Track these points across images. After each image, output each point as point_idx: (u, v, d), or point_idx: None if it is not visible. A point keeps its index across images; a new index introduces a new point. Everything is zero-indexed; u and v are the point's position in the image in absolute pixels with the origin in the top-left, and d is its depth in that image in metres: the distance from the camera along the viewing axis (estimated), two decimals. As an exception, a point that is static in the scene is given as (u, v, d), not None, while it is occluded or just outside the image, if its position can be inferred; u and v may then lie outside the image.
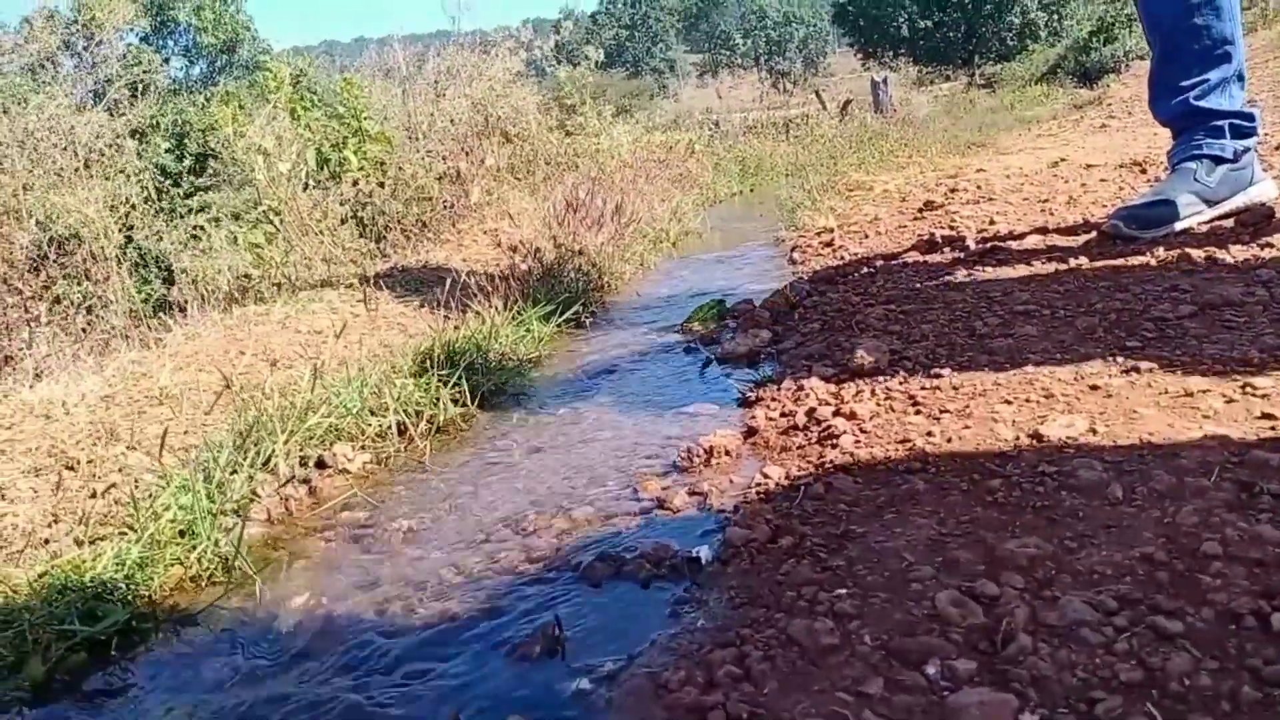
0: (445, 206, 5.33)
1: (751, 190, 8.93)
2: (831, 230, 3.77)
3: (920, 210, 3.66)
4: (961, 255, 2.58)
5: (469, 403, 2.03)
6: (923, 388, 1.50)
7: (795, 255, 3.57)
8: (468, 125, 6.26)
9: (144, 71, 27.36)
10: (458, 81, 7.30)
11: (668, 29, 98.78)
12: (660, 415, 1.82)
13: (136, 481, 1.56)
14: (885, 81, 17.36)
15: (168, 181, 28.68)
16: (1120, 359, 1.48)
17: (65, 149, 5.15)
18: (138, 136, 27.49)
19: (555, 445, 1.74)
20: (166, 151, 28.45)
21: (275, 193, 5.59)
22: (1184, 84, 2.36)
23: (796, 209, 4.71)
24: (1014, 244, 2.57)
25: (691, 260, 4.36)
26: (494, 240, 4.15)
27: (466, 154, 5.92)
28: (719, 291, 3.29)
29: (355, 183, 5.99)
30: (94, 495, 1.60)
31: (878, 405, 1.47)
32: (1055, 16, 54.80)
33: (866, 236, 3.42)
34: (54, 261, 4.27)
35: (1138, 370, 1.41)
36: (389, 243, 5.59)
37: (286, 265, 4.92)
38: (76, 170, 4.99)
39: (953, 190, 4.15)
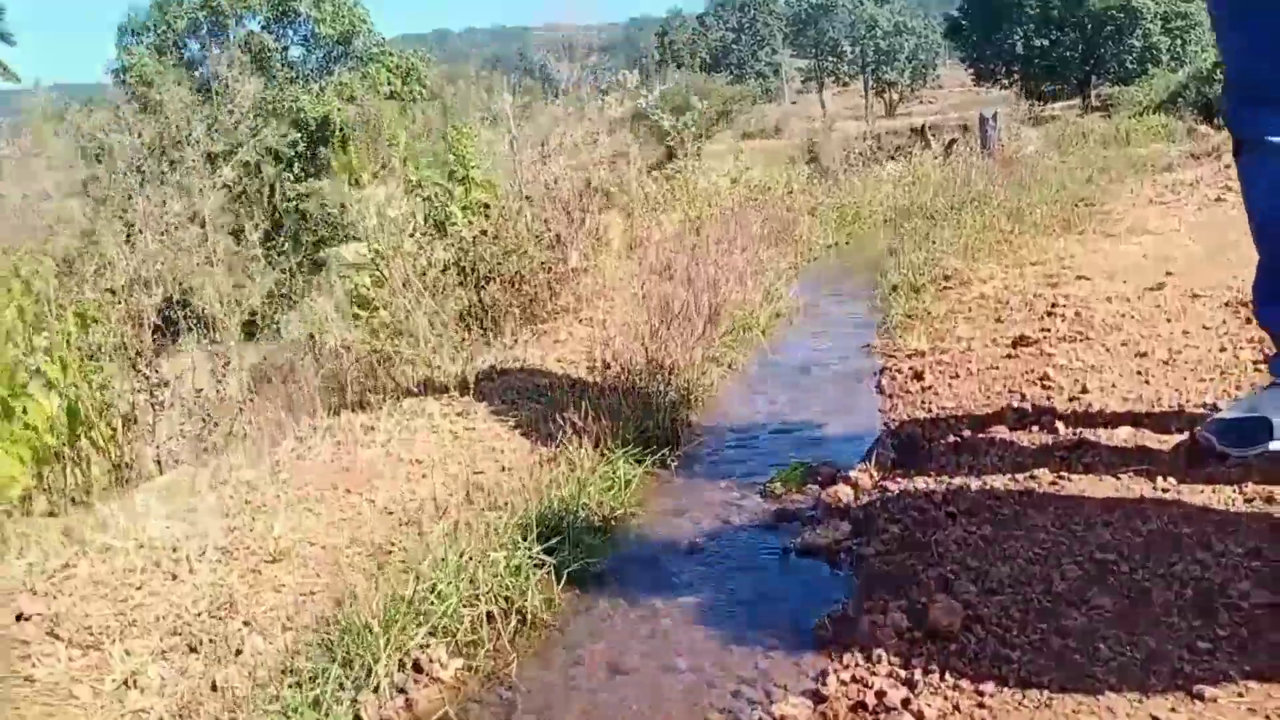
0: (545, 269, 5.49)
1: (848, 242, 8.91)
2: (923, 355, 3.80)
3: (1014, 346, 3.65)
4: (1050, 441, 2.60)
5: (556, 587, 2.14)
6: (992, 685, 1.55)
7: (884, 383, 3.61)
8: (569, 188, 6.39)
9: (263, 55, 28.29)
10: (563, 141, 7.44)
11: (775, 33, 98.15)
12: (738, 639, 1.90)
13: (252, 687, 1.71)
14: (994, 118, 16.98)
15: (280, 166, 29.48)
16: (1188, 667, 1.51)
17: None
18: (259, 118, 28.12)
19: (635, 667, 1.84)
20: (281, 136, 29.41)
21: (383, 239, 5.83)
22: None
23: (888, 313, 4.72)
24: (1104, 435, 2.57)
25: (779, 362, 4.41)
26: (589, 335, 4.27)
27: (568, 215, 6.06)
28: (803, 425, 3.36)
29: (460, 236, 6.20)
30: (214, 688, 1.76)
31: (945, 703, 1.53)
32: (1179, 41, 52.55)
33: (957, 376, 3.43)
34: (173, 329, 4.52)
35: (1201, 699, 1.44)
36: (488, 307, 5.78)
37: (392, 328, 5.13)
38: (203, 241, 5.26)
39: (1050, 311, 4.12)
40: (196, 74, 28.86)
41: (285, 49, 29.98)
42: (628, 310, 4.69)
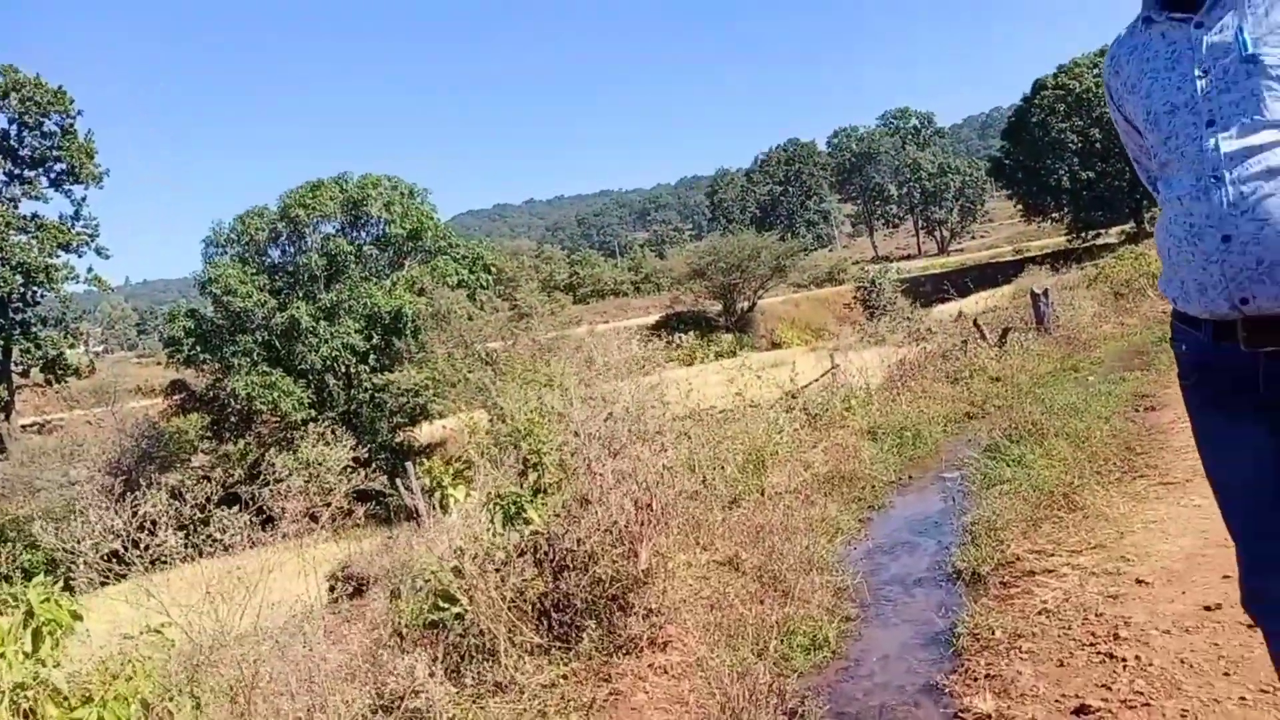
0: (613, 582, 5.75)
1: (910, 478, 9.06)
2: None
3: (1076, 715, 3.79)
4: None
5: None
6: None
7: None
8: (645, 479, 6.68)
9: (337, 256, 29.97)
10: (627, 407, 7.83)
11: (821, 183, 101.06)
12: None
13: None
14: (1045, 294, 17.29)
15: (355, 360, 30.71)
16: None
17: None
18: (329, 318, 29.71)
19: None
20: (356, 332, 30.81)
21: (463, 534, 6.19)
22: None
23: (955, 636, 4.87)
24: None
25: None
26: (666, 693, 4.49)
27: (637, 508, 6.37)
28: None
29: (535, 533, 6.54)
30: None
31: None
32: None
33: (1023, 763, 3.57)
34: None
35: None
36: (569, 596, 6.05)
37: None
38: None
39: (1111, 653, 4.24)
40: (277, 278, 30.73)
41: (359, 249, 31.80)
42: (703, 643, 4.91)
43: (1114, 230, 59.99)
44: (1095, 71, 57.66)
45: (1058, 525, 6.30)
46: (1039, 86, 59.75)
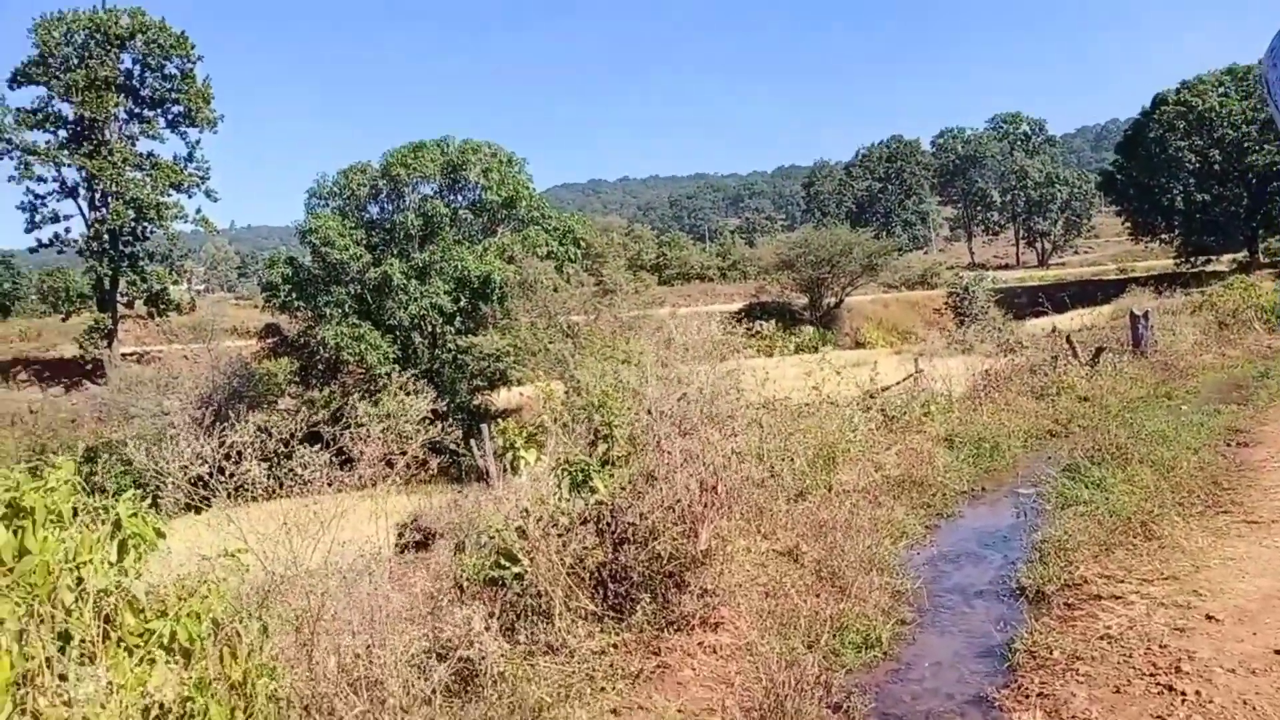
0: (672, 559, 5.80)
1: (984, 489, 8.89)
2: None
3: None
4: None
5: None
6: None
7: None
8: (713, 462, 6.70)
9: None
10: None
11: (921, 183, 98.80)
12: None
13: None
14: (1145, 316, 16.71)
15: (441, 320, 31.30)
16: None
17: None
18: (420, 277, 30.31)
19: None
20: (445, 293, 31.43)
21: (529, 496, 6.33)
22: None
23: (1010, 654, 4.81)
24: None
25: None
26: (713, 672, 4.54)
27: (702, 489, 6.41)
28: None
29: (600, 503, 6.64)
30: None
31: None
32: (1354, 198, 49.63)
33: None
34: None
35: None
36: (626, 568, 6.14)
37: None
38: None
39: (1170, 686, 4.14)
40: (374, 234, 31.46)
41: (455, 212, 32.32)
42: (755, 628, 4.94)
43: (1226, 257, 57.42)
44: (1220, 90, 55.06)
45: (1131, 552, 6.14)
46: (1159, 101, 57.33)
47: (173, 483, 4.08)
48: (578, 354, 21.37)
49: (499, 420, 28.29)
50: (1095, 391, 12.94)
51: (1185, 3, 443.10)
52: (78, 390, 38.16)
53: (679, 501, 6.32)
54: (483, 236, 33.24)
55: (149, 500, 4.35)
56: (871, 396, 11.75)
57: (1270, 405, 11.25)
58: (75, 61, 40.44)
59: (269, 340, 33.80)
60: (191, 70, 42.62)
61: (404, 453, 4.82)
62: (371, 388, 29.15)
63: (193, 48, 42.33)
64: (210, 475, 4.05)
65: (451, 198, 32.81)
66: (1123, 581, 5.66)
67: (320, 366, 31.36)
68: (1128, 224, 63.63)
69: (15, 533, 3.64)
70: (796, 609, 5.33)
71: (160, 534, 4.13)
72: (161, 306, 43.39)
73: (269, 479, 4.12)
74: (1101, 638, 4.81)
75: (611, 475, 6.94)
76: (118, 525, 3.90)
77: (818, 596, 5.66)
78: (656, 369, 8.00)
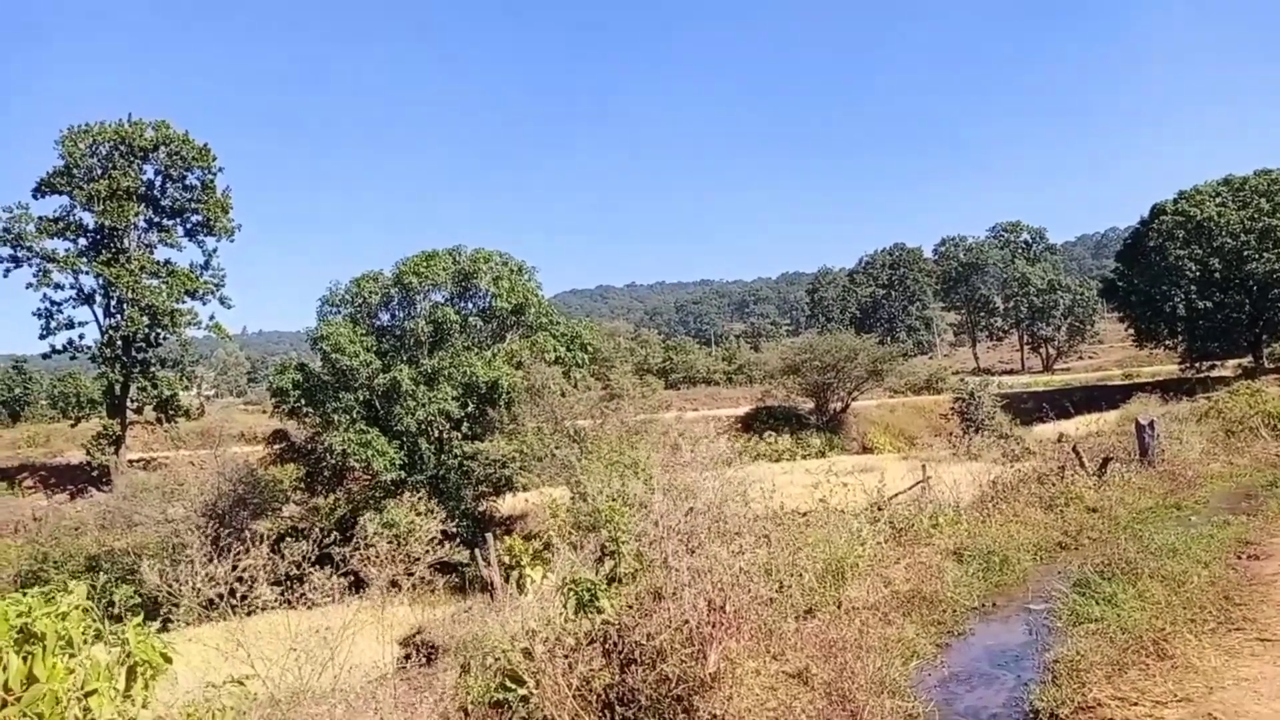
0: (680, 682, 5.73)
1: (994, 605, 8.79)
2: None
3: None
4: None
5: None
6: None
7: None
8: (721, 580, 6.69)
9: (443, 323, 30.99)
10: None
11: (924, 289, 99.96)
12: None
13: None
14: (1151, 425, 16.72)
15: (449, 426, 31.40)
16: None
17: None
18: (429, 383, 30.57)
19: None
20: (453, 399, 31.55)
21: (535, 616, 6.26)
22: None
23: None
24: None
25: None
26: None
27: (710, 609, 6.37)
28: None
29: (607, 623, 6.59)
30: None
31: None
32: (1355, 302, 50.06)
33: None
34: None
35: None
36: (634, 691, 6.04)
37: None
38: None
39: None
40: (384, 340, 31.83)
41: (465, 319, 32.75)
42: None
43: (1231, 362, 57.60)
44: (1218, 200, 56.08)
45: (1144, 673, 6.05)
46: (1158, 211, 58.44)
47: (185, 605, 4.11)
48: (584, 459, 21.35)
49: (503, 529, 28.07)
50: (1103, 502, 12.88)
51: (1182, 117, 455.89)
52: (83, 497, 38.10)
53: (686, 622, 6.27)
54: (492, 342, 33.61)
55: (159, 621, 4.36)
56: (879, 508, 11.71)
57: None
58: (99, 172, 41.66)
59: (277, 446, 33.82)
60: (212, 181, 43.87)
61: (411, 574, 4.83)
62: (376, 494, 29.04)
63: (214, 159, 43.66)
64: (221, 599, 4.07)
65: (462, 304, 33.29)
66: (1136, 704, 5.57)
67: (326, 473, 31.33)
68: (1130, 330, 64.05)
69: (25, 659, 3.65)
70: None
71: (168, 659, 4.13)
72: (171, 412, 43.61)
73: (279, 603, 4.14)
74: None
75: (618, 593, 6.91)
76: (126, 651, 3.91)
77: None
78: (662, 478, 8.05)
